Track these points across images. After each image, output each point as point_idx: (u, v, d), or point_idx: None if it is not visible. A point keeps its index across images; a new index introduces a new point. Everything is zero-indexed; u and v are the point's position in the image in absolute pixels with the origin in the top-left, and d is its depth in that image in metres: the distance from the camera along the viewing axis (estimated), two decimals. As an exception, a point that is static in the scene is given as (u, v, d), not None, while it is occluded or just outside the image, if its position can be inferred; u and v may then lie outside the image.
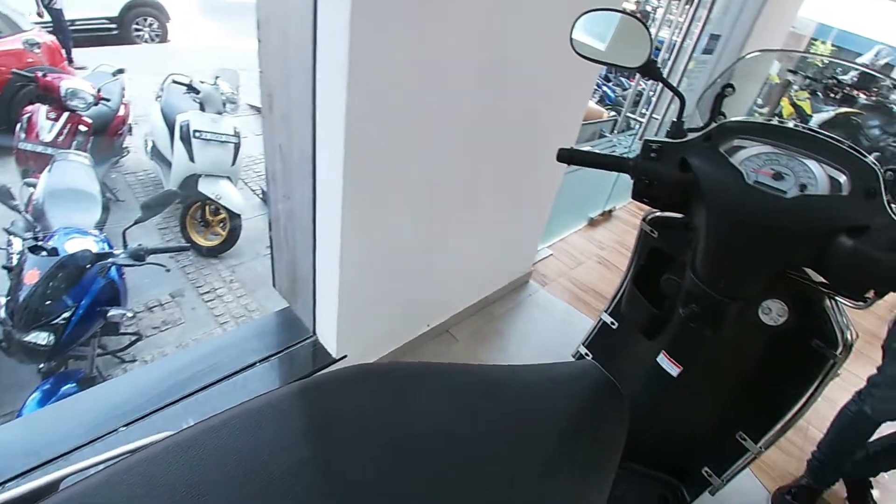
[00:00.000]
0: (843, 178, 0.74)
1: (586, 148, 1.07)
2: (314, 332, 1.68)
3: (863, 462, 1.67)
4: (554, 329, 2.26)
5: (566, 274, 2.68)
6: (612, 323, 1.33)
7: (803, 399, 0.98)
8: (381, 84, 1.14)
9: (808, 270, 0.89)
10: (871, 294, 0.73)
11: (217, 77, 3.25)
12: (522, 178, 1.93)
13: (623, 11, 0.92)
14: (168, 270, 2.41)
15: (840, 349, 0.87)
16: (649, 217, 1.11)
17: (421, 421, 0.64)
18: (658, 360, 1.09)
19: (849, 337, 0.87)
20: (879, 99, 3.13)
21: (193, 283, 3.17)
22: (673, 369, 1.07)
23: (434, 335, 2.03)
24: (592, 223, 3.22)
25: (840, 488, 1.72)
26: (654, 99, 3.17)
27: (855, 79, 3.56)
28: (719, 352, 1.04)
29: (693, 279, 0.92)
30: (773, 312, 0.93)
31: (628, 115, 3.18)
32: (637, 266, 1.19)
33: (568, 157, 0.96)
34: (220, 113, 3.18)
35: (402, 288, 1.70)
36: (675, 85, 0.96)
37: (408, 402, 0.66)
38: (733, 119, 0.86)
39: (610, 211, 3.36)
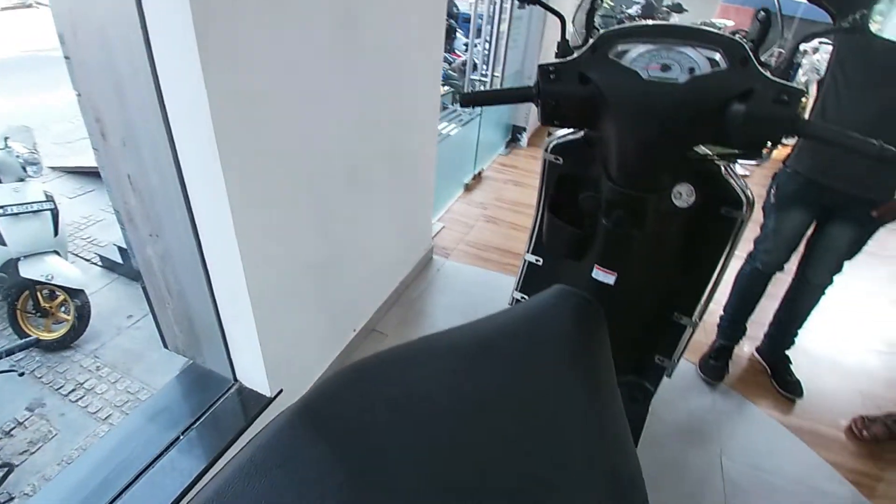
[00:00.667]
0: (717, 56, 0.82)
1: (483, 89, 1.05)
2: (235, 379, 1.47)
3: (775, 339, 1.96)
4: (472, 293, 2.28)
5: (463, 240, 2.71)
6: (538, 261, 1.36)
7: (721, 262, 1.10)
8: (244, 78, 1.01)
9: (701, 148, 0.99)
10: (766, 149, 0.82)
11: (6, 138, 2.65)
12: (403, 159, 1.89)
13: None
14: (21, 375, 1.94)
15: (745, 207, 0.98)
16: (550, 146, 1.14)
17: (438, 396, 0.57)
18: (593, 275, 1.13)
19: (750, 195, 0.98)
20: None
21: (51, 387, 2.61)
22: (609, 278, 1.11)
23: (362, 338, 1.91)
24: (468, 188, 3.30)
25: (745, 342, 2.01)
26: (484, 66, 3.33)
27: (640, 11, 4.09)
28: (645, 247, 1.11)
29: (612, 186, 0.95)
30: (684, 195, 1.01)
31: (472, 78, 3.31)
32: (548, 196, 1.22)
33: (472, 100, 0.94)
34: (21, 180, 2.62)
35: (318, 300, 1.57)
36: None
37: (415, 383, 0.59)
38: (610, 28, 0.90)
39: (479, 173, 3.47)
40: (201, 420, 1.44)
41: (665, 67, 0.84)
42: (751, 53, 0.80)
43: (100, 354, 2.86)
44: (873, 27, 1.45)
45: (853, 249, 1.66)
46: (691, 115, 0.83)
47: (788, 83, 0.77)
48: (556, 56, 0.94)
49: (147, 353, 2.89)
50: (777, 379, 1.94)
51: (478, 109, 3.17)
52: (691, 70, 0.83)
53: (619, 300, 1.19)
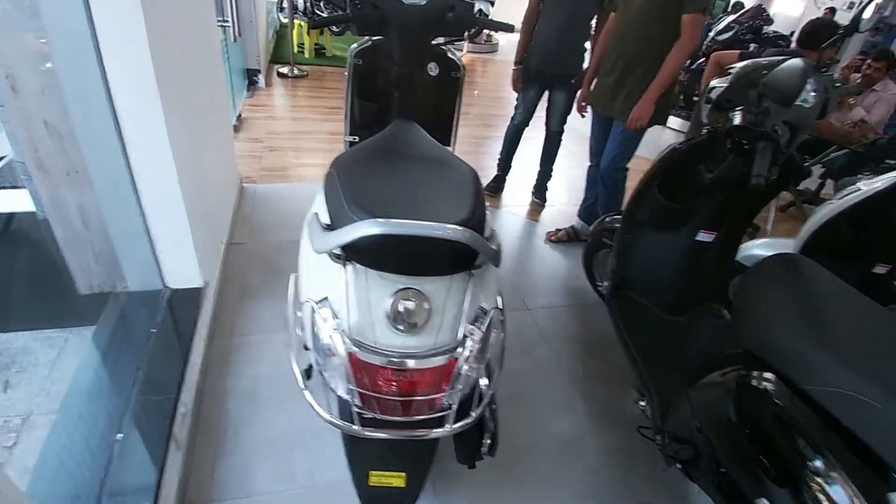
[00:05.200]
0: None
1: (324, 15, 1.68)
2: (164, 285, 1.81)
3: (540, 175, 3.16)
4: (289, 200, 2.83)
5: (259, 169, 3.16)
6: (355, 138, 2.08)
7: (457, 105, 2.03)
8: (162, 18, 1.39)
9: (437, 39, 1.84)
10: (466, 33, 1.72)
11: None
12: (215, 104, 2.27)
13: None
14: None
15: (461, 70, 1.91)
16: (353, 53, 1.85)
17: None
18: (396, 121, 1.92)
19: (461, 63, 1.90)
20: None
21: None
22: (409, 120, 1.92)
23: (228, 247, 2.33)
24: (237, 129, 3.64)
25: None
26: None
27: None
28: (421, 101, 1.94)
29: (397, 68, 1.75)
30: (433, 69, 1.88)
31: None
32: (355, 88, 1.94)
33: (317, 23, 1.58)
34: None
35: (200, 210, 1.94)
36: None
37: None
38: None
39: (239, 116, 3.81)
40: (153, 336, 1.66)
41: None
42: None
43: None
44: None
45: (568, 105, 2.85)
46: (429, 20, 1.66)
47: (469, 1, 1.67)
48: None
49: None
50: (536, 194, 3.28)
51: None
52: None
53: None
